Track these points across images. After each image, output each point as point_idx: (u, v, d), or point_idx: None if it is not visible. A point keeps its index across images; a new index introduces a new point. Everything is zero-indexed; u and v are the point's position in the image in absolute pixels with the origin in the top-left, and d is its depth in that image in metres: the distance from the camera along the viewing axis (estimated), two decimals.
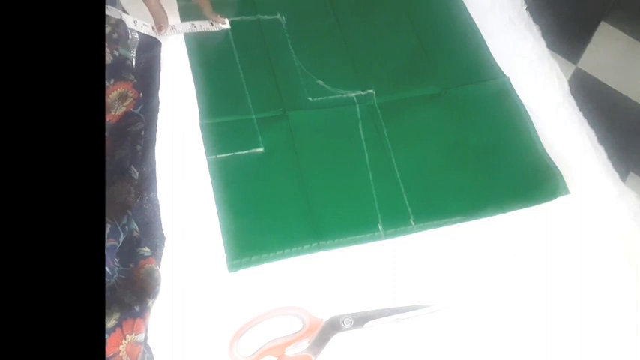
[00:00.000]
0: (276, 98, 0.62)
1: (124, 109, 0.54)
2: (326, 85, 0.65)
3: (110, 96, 0.54)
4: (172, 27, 0.62)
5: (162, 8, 0.59)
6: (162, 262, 0.52)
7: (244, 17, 0.67)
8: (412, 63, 0.68)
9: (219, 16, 0.64)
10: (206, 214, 0.55)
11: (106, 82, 0.54)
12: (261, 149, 0.59)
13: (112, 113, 0.53)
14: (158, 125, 0.58)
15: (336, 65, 0.66)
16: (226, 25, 0.65)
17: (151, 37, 0.61)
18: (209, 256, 0.53)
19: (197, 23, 0.63)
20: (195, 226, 0.54)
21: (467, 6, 0.73)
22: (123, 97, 0.55)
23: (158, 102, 0.60)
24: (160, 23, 0.59)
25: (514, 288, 0.56)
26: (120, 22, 0.57)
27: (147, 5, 0.58)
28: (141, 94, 0.55)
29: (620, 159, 0.68)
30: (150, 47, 0.61)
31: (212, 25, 0.64)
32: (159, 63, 0.61)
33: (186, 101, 0.61)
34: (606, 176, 0.64)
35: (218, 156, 0.58)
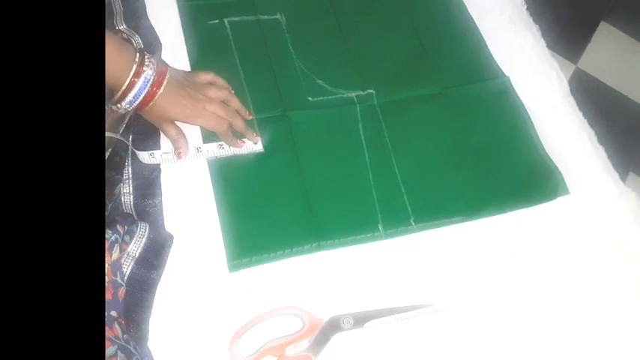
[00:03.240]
0: (276, 98, 0.62)
1: (122, 128, 0.55)
2: (326, 85, 0.65)
3: (109, 121, 0.55)
4: (198, 149, 0.57)
5: (183, 134, 0.57)
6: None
7: (244, 17, 0.67)
8: (412, 63, 0.68)
9: (238, 141, 0.58)
10: (206, 214, 0.55)
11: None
12: (261, 149, 0.59)
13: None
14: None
15: (336, 65, 0.66)
16: (259, 146, 0.59)
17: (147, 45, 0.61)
18: (209, 256, 0.53)
19: (225, 144, 0.58)
20: (196, 227, 0.54)
21: (467, 6, 0.73)
22: (123, 118, 0.56)
23: None
24: (180, 149, 0.56)
25: (514, 288, 0.56)
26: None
27: (166, 134, 0.56)
28: None
29: (620, 159, 0.68)
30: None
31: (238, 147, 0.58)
32: None
33: None
34: (606, 176, 0.64)
35: (218, 156, 0.58)
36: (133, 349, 0.47)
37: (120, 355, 0.46)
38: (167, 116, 0.55)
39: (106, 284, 0.47)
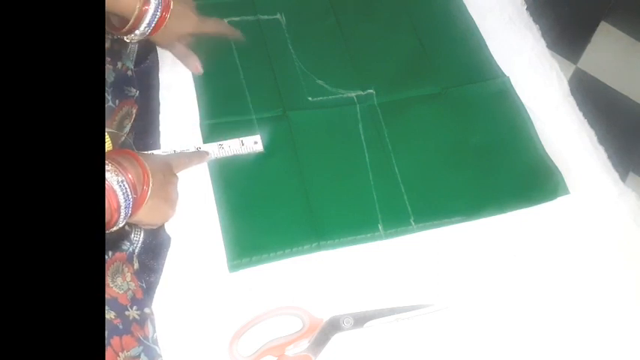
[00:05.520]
0: (276, 98, 0.62)
1: (129, 126, 0.56)
2: (326, 85, 0.65)
3: (117, 118, 0.55)
4: (198, 149, 0.57)
5: (191, 52, 0.60)
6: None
7: (244, 17, 0.67)
8: (412, 63, 0.68)
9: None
10: (206, 214, 0.55)
11: (111, 104, 0.54)
12: (261, 149, 0.59)
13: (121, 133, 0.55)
14: (160, 129, 0.58)
15: (336, 65, 0.66)
16: (259, 146, 0.59)
17: (148, 42, 0.61)
18: (209, 256, 0.53)
19: (225, 143, 0.58)
20: (196, 227, 0.54)
21: (467, 6, 0.73)
22: (129, 116, 0.56)
23: (159, 103, 0.60)
24: (195, 64, 0.60)
25: (514, 288, 0.56)
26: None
27: (176, 53, 0.60)
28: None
29: (620, 159, 0.68)
30: (147, 52, 0.61)
31: (242, 144, 0.58)
32: (157, 65, 0.62)
33: (186, 102, 0.61)
34: (606, 176, 0.64)
35: (218, 156, 0.58)
36: (159, 350, 0.48)
37: (143, 357, 0.46)
38: (178, 34, 0.57)
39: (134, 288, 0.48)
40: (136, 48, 0.60)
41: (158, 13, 0.52)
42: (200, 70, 0.60)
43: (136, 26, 0.52)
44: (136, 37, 0.53)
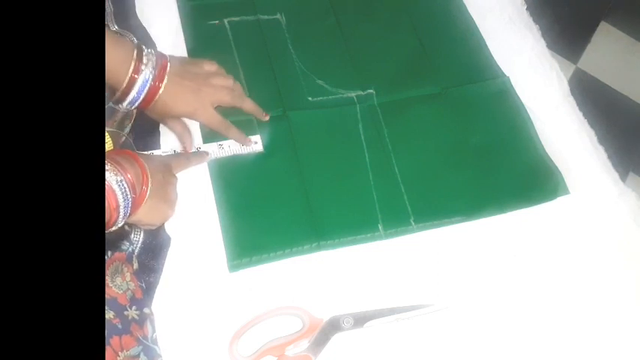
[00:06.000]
0: (276, 98, 0.62)
1: (129, 126, 0.56)
2: (326, 85, 0.65)
3: (117, 118, 0.55)
4: (198, 149, 0.57)
5: (188, 129, 0.56)
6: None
7: (244, 17, 0.67)
8: (412, 63, 0.68)
9: (248, 138, 0.58)
10: (206, 214, 0.55)
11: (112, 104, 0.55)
12: (261, 149, 0.59)
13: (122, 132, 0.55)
14: (160, 129, 0.58)
15: (336, 65, 0.66)
16: (259, 146, 0.59)
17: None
18: (209, 256, 0.53)
19: (225, 143, 0.58)
20: (196, 227, 0.54)
21: (467, 6, 0.73)
22: (129, 116, 0.56)
23: None
24: (185, 144, 0.56)
25: (514, 288, 0.56)
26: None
27: (172, 130, 0.56)
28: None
29: (620, 159, 0.68)
30: None
31: (242, 145, 0.58)
32: None
33: None
34: (606, 176, 0.64)
35: (218, 156, 0.58)
36: (158, 350, 0.48)
37: (143, 357, 0.46)
38: (171, 113, 0.55)
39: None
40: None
41: (149, 83, 0.50)
42: (189, 151, 0.56)
43: (125, 95, 0.50)
44: (126, 107, 0.51)
